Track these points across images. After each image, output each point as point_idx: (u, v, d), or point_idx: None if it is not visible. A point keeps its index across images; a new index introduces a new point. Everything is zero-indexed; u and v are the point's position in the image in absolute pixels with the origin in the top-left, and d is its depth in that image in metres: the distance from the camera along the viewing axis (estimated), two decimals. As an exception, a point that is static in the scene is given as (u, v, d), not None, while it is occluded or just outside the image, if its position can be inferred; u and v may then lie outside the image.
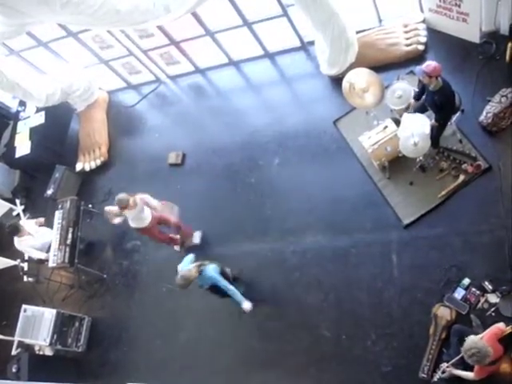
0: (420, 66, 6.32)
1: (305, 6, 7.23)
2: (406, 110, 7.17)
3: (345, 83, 7.28)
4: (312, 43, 8.72)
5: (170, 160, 9.20)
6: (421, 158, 7.14)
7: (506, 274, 6.40)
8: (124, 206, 7.19)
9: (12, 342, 8.48)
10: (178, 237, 8.25)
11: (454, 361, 5.86)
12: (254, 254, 7.92)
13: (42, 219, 8.70)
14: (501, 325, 5.77)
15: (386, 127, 7.21)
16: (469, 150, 7.20)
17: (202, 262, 6.61)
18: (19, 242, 8.29)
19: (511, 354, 5.80)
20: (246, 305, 6.68)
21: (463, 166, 7.14)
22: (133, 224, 7.69)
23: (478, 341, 5.34)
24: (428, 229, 7.09)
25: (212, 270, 6.56)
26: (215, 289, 6.74)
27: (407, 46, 8.11)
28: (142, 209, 7.48)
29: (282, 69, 9.30)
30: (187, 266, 6.59)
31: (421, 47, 8.05)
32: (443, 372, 6.00)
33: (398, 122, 7.12)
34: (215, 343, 7.70)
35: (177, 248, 8.40)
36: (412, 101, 7.08)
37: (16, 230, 8.19)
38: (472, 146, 7.22)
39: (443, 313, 6.44)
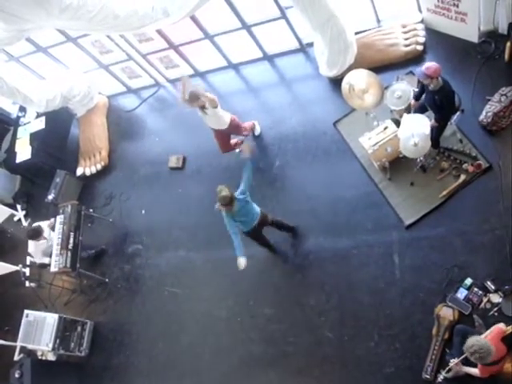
0: (420, 69, 6.31)
1: (303, 8, 7.24)
2: (407, 110, 7.18)
3: (344, 84, 7.28)
4: (311, 45, 8.74)
5: (171, 164, 9.21)
6: (421, 158, 7.14)
7: (508, 274, 6.40)
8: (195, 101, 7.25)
9: (14, 348, 8.46)
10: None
11: (459, 360, 5.83)
12: (256, 256, 7.89)
13: (52, 220, 8.65)
14: (501, 325, 5.77)
15: (386, 128, 7.21)
16: (469, 150, 7.20)
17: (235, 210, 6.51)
18: (36, 246, 8.29)
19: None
20: (240, 260, 6.70)
21: (464, 166, 7.13)
22: (210, 124, 7.85)
23: (481, 339, 5.35)
24: (429, 229, 7.08)
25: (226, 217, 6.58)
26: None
27: (406, 46, 8.12)
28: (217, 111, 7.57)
29: (282, 71, 9.31)
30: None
31: (419, 47, 8.05)
32: (449, 371, 5.99)
33: (398, 123, 7.12)
34: (217, 346, 7.70)
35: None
36: (413, 101, 7.08)
37: (38, 234, 8.21)
38: (472, 146, 7.22)
39: (446, 313, 6.42)
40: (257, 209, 6.94)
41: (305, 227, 7.82)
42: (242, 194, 6.64)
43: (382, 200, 7.46)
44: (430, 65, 6.23)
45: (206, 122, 7.82)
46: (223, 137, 8.16)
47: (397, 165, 7.44)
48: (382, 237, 7.29)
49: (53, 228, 8.55)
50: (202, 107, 7.41)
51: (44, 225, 8.55)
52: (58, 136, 10.41)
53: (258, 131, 8.78)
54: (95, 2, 6.07)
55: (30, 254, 8.58)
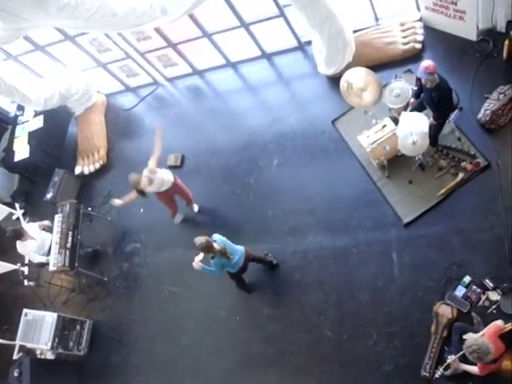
0: (421, 71, 6.30)
1: (301, 7, 7.24)
2: (405, 108, 7.17)
3: (342, 83, 7.28)
4: (309, 43, 8.73)
5: (169, 162, 9.20)
6: (420, 156, 7.14)
7: (506, 272, 6.41)
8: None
9: (13, 347, 8.47)
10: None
11: (457, 356, 5.84)
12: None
13: (46, 222, 8.62)
14: (499, 322, 5.78)
15: (384, 126, 7.21)
16: (467, 148, 7.20)
17: (221, 249, 6.51)
18: (22, 246, 8.28)
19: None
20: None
21: (462, 164, 7.14)
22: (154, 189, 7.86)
23: (479, 338, 5.35)
24: (428, 227, 7.08)
25: (216, 263, 6.58)
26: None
27: (404, 44, 8.12)
28: (161, 179, 7.67)
29: (280, 69, 9.31)
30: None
31: (418, 46, 8.05)
32: (447, 367, 6.00)
33: (396, 121, 7.12)
34: (216, 345, 7.70)
35: (177, 219, 8.65)
36: (412, 99, 7.08)
37: (19, 235, 8.17)
38: (471, 144, 7.22)
39: (444, 311, 6.43)
40: (239, 247, 6.92)
41: (303, 226, 7.82)
42: (218, 236, 6.66)
43: (380, 198, 7.46)
44: (427, 64, 6.24)
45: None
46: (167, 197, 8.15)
47: (395, 163, 7.44)
48: (381, 235, 7.29)
49: (48, 229, 8.56)
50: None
51: (31, 226, 8.55)
52: (57, 135, 10.40)
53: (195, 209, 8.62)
54: (93, 0, 6.07)
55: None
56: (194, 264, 6.73)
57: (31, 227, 8.49)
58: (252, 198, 8.36)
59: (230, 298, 7.88)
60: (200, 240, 6.35)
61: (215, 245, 6.43)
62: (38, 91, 9.44)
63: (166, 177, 7.77)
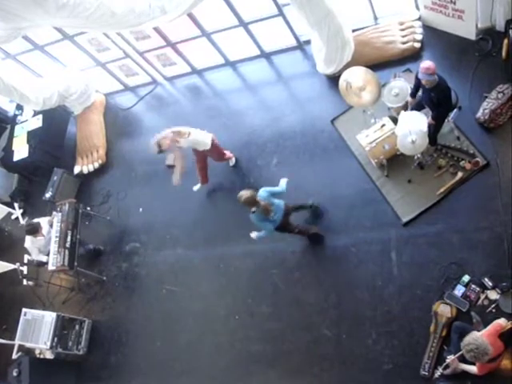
0: (422, 73, 6.27)
1: (300, 6, 7.24)
2: (404, 107, 7.17)
3: (341, 82, 7.27)
4: (308, 42, 8.73)
5: (168, 161, 9.12)
6: (419, 155, 7.14)
7: (505, 271, 6.39)
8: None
9: (12, 346, 8.47)
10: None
11: (456, 356, 5.84)
12: (254, 255, 7.91)
13: (54, 213, 8.62)
14: (501, 320, 5.77)
15: (383, 125, 7.21)
16: (466, 147, 7.20)
17: (265, 205, 6.51)
18: (32, 242, 8.29)
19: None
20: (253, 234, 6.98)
21: (461, 163, 7.13)
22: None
23: (478, 337, 5.34)
24: (427, 226, 7.08)
25: (256, 218, 6.63)
26: None
27: (403, 43, 8.12)
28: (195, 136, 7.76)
29: (279, 68, 9.31)
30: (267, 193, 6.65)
31: (417, 45, 8.05)
32: (446, 367, 5.99)
33: (395, 120, 7.12)
34: (215, 345, 7.70)
35: (196, 188, 8.71)
36: (410, 99, 7.07)
37: (35, 230, 8.21)
38: (470, 143, 7.22)
39: (443, 310, 6.43)
40: (280, 202, 6.87)
41: (303, 225, 7.80)
42: (266, 192, 6.64)
43: (379, 197, 7.46)
44: (428, 64, 6.20)
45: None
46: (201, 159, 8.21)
47: (394, 162, 7.44)
48: (380, 234, 7.29)
49: (52, 225, 8.54)
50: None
51: (44, 221, 8.54)
52: (56, 134, 10.40)
53: (233, 162, 8.70)
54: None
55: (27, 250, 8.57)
56: (251, 235, 6.96)
57: (43, 222, 8.50)
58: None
59: (229, 297, 7.89)
60: (246, 194, 6.38)
61: (259, 199, 6.46)
62: (37, 91, 9.46)
63: (200, 137, 7.82)
